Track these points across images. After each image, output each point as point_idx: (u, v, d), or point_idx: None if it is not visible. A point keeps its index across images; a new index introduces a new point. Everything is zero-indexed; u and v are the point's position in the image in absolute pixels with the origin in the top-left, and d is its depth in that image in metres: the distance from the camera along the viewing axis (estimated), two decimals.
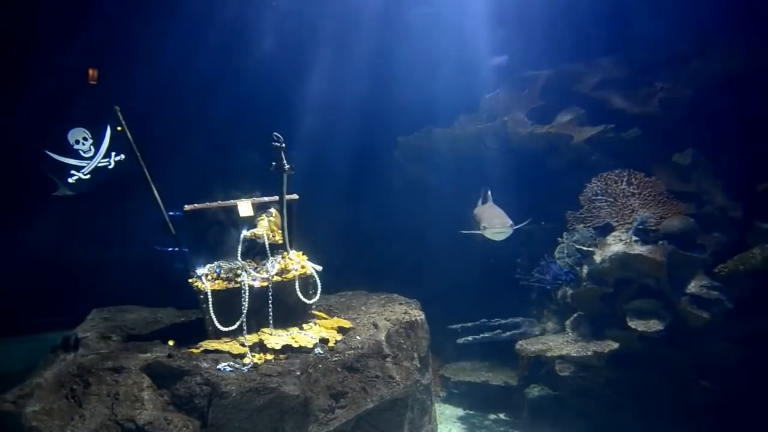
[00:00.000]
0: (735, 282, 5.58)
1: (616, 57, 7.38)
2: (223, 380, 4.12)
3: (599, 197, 6.56)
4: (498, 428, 6.58)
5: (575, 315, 6.36)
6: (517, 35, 7.56)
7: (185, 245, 5.12)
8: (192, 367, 4.21)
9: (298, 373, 4.35)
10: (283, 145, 4.66)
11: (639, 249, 5.86)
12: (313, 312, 5.23)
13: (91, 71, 5.75)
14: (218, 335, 4.66)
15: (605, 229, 6.42)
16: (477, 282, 7.31)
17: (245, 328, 4.66)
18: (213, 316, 4.63)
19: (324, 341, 4.80)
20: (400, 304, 5.85)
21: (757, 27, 6.26)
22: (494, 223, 6.10)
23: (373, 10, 7.88)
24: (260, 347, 4.61)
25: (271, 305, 4.76)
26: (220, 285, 4.73)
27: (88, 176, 5.64)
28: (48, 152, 5.51)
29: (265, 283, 4.76)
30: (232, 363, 4.34)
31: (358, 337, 4.98)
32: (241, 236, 4.88)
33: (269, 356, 4.54)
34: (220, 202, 5.08)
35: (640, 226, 6.04)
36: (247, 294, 4.68)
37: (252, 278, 4.76)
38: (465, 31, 7.77)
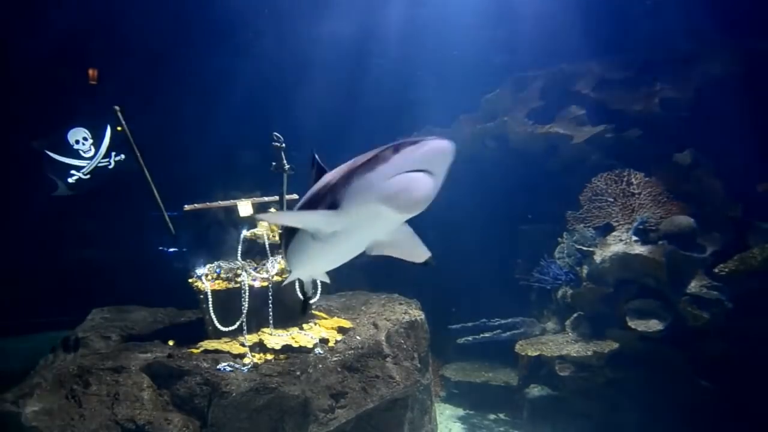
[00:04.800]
0: (735, 282, 5.58)
1: (616, 57, 7.38)
2: (223, 380, 4.12)
3: (599, 197, 6.56)
4: (498, 428, 6.58)
5: (575, 315, 6.36)
6: (518, 35, 7.55)
7: (185, 245, 5.13)
8: (192, 367, 4.22)
9: (298, 373, 4.35)
10: (283, 145, 4.67)
11: (639, 249, 5.86)
12: (313, 312, 5.24)
13: (91, 71, 5.75)
14: (218, 335, 4.67)
15: (605, 229, 6.42)
16: (477, 282, 7.30)
17: (245, 328, 4.66)
18: (213, 316, 4.63)
19: (324, 341, 4.80)
20: (400, 304, 5.86)
21: (757, 28, 6.26)
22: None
23: (373, 10, 7.88)
24: (260, 347, 4.62)
25: (271, 305, 4.76)
26: (220, 285, 4.73)
27: (88, 176, 5.63)
28: (48, 152, 5.50)
29: (265, 283, 4.77)
30: (232, 363, 4.34)
31: (358, 337, 4.98)
32: (241, 236, 4.89)
33: (269, 356, 4.54)
34: (220, 202, 5.09)
35: (640, 226, 6.04)
36: (247, 294, 4.68)
37: (252, 278, 4.77)
38: (465, 31, 7.77)
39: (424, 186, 2.46)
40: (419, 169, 2.44)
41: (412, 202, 2.49)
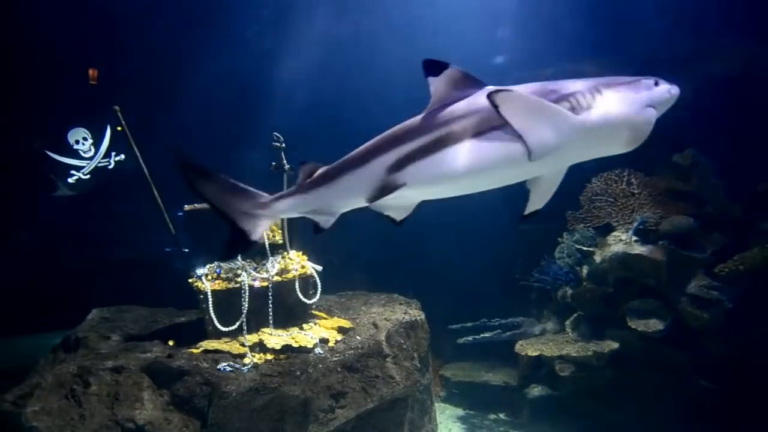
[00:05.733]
0: (735, 282, 5.58)
1: (615, 57, 7.37)
2: (223, 380, 4.12)
3: (599, 197, 6.57)
4: (498, 428, 6.58)
5: (575, 315, 6.36)
6: (518, 35, 7.55)
7: (185, 245, 5.13)
8: (192, 367, 4.21)
9: (298, 373, 4.35)
10: (283, 145, 4.68)
11: (639, 249, 5.86)
12: (313, 312, 5.24)
13: (91, 71, 5.76)
14: (218, 335, 4.66)
15: (605, 229, 6.42)
16: (477, 282, 7.30)
17: (245, 328, 4.66)
18: (213, 316, 4.63)
19: (324, 341, 4.80)
20: (400, 304, 5.86)
21: (757, 28, 6.26)
22: None
23: (373, 9, 7.88)
24: (260, 347, 4.61)
25: (271, 305, 4.76)
26: (220, 285, 4.73)
27: (88, 176, 5.64)
28: (48, 152, 5.51)
29: (265, 283, 4.77)
30: (232, 363, 4.34)
31: (358, 337, 4.98)
32: None
33: (269, 356, 4.54)
34: None
35: (640, 226, 6.04)
36: (247, 294, 4.68)
37: (252, 278, 4.76)
38: (465, 31, 7.77)
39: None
40: (655, 106, 2.48)
41: (643, 138, 2.49)
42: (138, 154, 5.01)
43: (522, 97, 2.46)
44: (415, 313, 5.56)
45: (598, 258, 6.08)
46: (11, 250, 6.65)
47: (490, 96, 2.41)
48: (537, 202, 3.04)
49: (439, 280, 7.39)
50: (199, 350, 4.50)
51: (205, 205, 4.98)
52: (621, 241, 6.06)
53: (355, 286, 6.67)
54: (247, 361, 4.39)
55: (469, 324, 6.90)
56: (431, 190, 3.05)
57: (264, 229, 3.54)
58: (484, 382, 7.03)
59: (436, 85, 2.94)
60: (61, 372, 4.19)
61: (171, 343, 4.74)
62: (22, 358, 5.17)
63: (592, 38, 7.18)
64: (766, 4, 6.21)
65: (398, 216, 3.26)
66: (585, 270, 6.25)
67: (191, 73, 7.48)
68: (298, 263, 4.99)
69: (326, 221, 3.37)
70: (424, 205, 8.13)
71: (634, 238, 6.01)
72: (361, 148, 3.19)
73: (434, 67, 2.95)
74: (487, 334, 6.76)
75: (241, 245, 3.51)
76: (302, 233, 5.22)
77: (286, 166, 4.74)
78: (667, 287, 5.76)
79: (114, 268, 6.94)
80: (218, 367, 4.27)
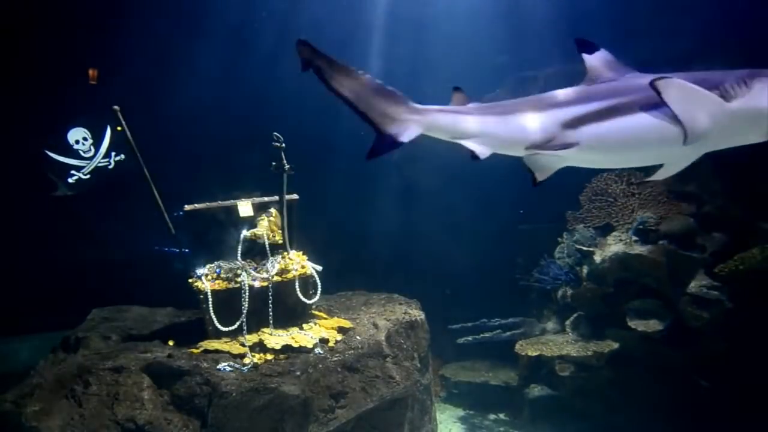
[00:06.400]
0: (735, 282, 5.58)
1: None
2: (223, 380, 4.12)
3: (599, 197, 6.57)
4: (498, 428, 6.58)
5: (575, 315, 6.36)
6: (518, 35, 7.54)
7: (185, 245, 5.12)
8: (192, 367, 4.21)
9: (298, 373, 4.35)
10: (283, 145, 4.67)
11: (639, 249, 5.86)
12: (313, 312, 5.24)
13: (91, 71, 5.76)
14: (218, 335, 4.66)
15: (605, 229, 6.42)
16: (477, 282, 7.31)
17: (245, 328, 4.66)
18: (213, 316, 4.63)
19: (324, 341, 4.80)
20: (400, 304, 5.85)
21: (757, 27, 6.26)
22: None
23: (372, 9, 7.89)
24: (260, 347, 4.61)
25: (271, 305, 4.76)
26: (220, 285, 4.73)
27: (88, 176, 5.64)
28: (48, 152, 5.51)
29: (265, 283, 4.77)
30: (232, 363, 4.34)
31: (358, 337, 4.98)
32: (241, 236, 4.88)
33: (269, 356, 4.54)
34: (220, 202, 5.08)
35: (640, 226, 6.04)
36: (247, 294, 4.68)
37: (252, 278, 4.76)
38: (465, 31, 7.77)
39: None
40: None
41: None
42: (138, 154, 4.99)
43: (682, 84, 2.64)
44: (415, 313, 5.56)
45: (598, 258, 6.08)
46: (11, 250, 6.66)
47: (653, 82, 2.64)
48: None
49: (440, 280, 7.40)
50: (199, 350, 4.50)
51: (205, 205, 5.02)
52: (621, 241, 6.06)
53: (355, 286, 6.67)
54: (247, 361, 4.39)
55: (469, 324, 6.91)
56: (591, 157, 3.29)
57: (414, 135, 3.40)
58: (484, 382, 7.04)
59: (591, 61, 3.37)
60: (61, 372, 4.20)
61: (171, 343, 4.73)
62: (22, 359, 5.18)
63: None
64: (766, 4, 6.21)
65: (541, 176, 3.49)
66: (585, 270, 6.25)
67: (191, 73, 7.49)
68: (298, 263, 4.99)
69: (482, 152, 3.43)
70: (423, 205, 8.09)
71: (634, 238, 6.01)
72: (533, 96, 3.42)
73: (586, 46, 3.38)
74: (487, 334, 6.77)
75: (386, 148, 3.44)
76: (302, 233, 5.23)
77: (286, 166, 4.73)
78: (666, 287, 5.76)
79: (114, 268, 6.95)
80: (218, 367, 4.27)
